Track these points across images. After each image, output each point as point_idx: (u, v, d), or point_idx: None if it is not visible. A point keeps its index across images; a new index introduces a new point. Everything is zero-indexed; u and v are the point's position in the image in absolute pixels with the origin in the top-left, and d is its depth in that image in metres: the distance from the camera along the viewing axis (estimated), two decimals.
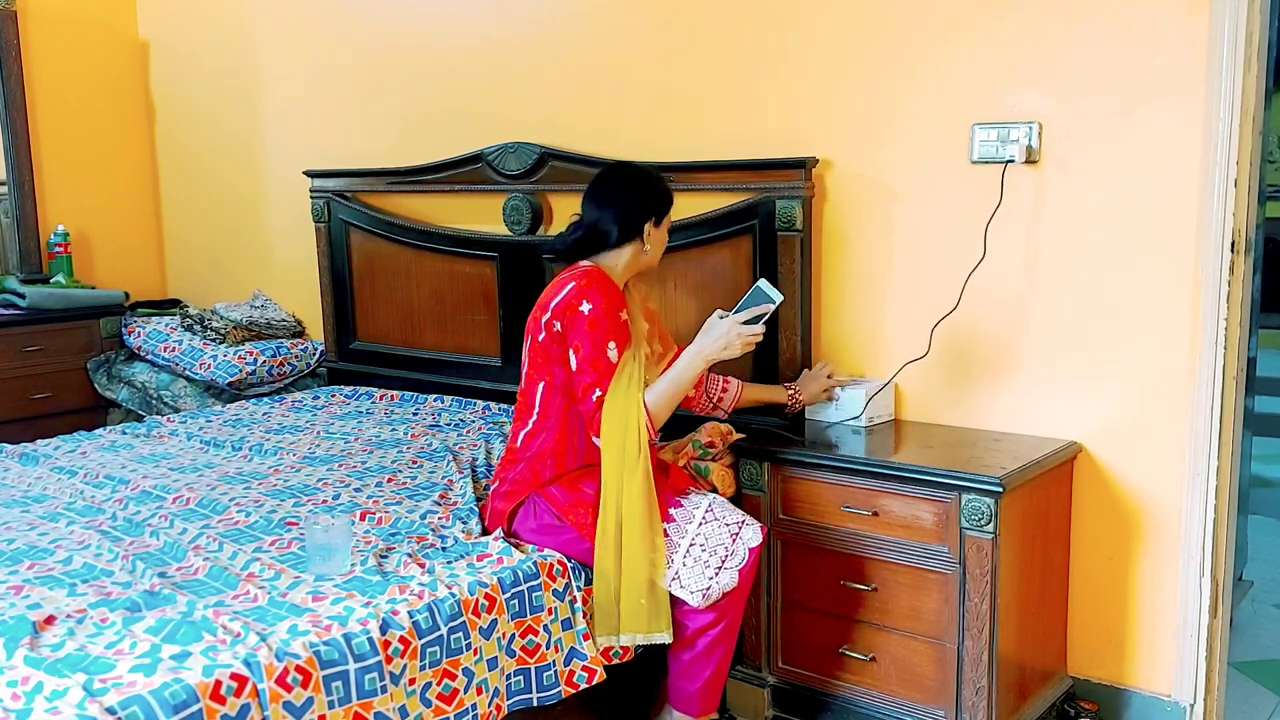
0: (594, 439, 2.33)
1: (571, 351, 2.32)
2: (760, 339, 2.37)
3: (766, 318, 2.37)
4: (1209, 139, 2.36)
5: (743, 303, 2.39)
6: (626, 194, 2.43)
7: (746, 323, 2.34)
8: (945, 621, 2.39)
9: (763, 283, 2.38)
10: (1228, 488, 2.48)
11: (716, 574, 2.28)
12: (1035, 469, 2.43)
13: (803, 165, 2.83)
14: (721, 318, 2.38)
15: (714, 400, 2.71)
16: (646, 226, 2.42)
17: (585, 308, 2.30)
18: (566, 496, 2.36)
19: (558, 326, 2.33)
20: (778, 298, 2.36)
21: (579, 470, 2.38)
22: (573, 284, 2.33)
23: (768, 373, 2.91)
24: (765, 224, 2.88)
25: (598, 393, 2.29)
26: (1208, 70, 2.34)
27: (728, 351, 2.34)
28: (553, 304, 2.34)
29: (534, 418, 2.41)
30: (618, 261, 2.43)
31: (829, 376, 2.78)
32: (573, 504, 2.35)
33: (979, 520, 2.30)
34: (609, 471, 2.28)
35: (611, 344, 2.30)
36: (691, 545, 2.30)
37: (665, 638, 2.30)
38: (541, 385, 2.39)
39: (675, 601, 2.32)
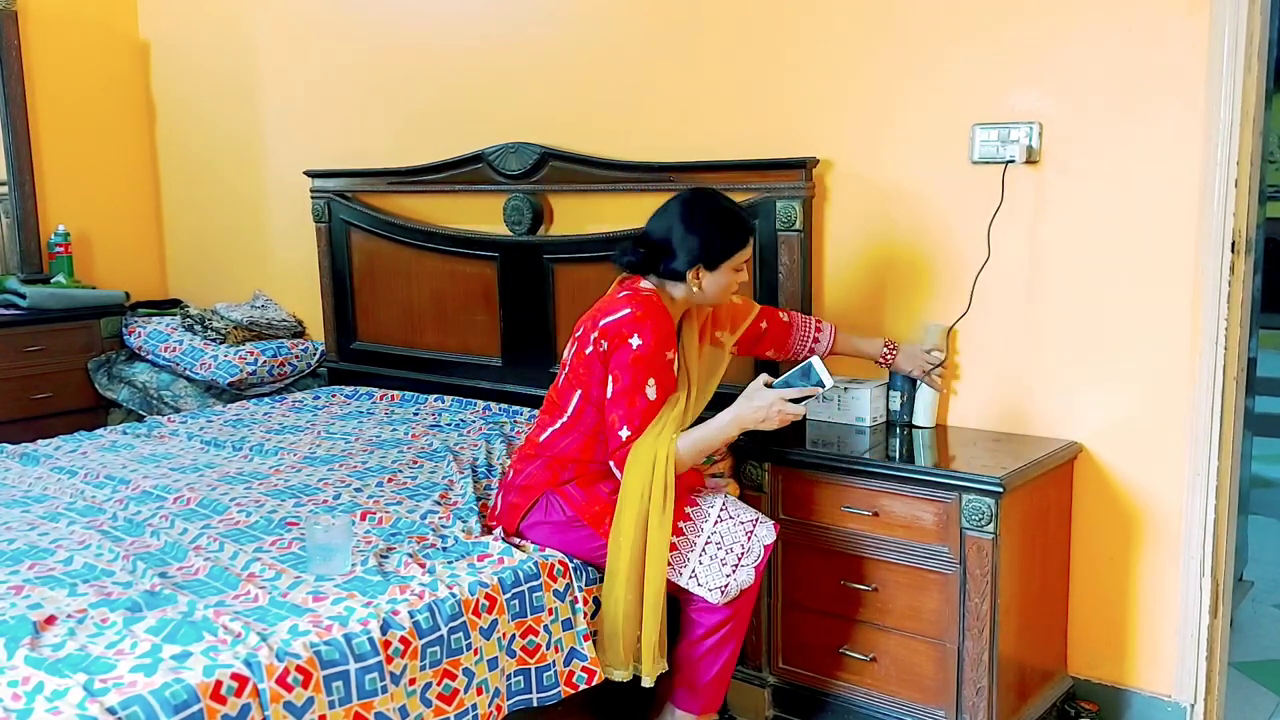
0: (614, 470, 2.31)
1: (611, 379, 2.29)
2: (799, 418, 2.29)
3: (810, 399, 2.28)
4: (1209, 139, 2.36)
5: (790, 375, 2.29)
6: (686, 233, 2.33)
7: (791, 400, 2.26)
8: (945, 621, 2.39)
9: (816, 362, 2.27)
10: (1228, 488, 2.48)
11: (734, 571, 2.29)
12: (1035, 469, 2.43)
13: (803, 165, 2.83)
14: (767, 385, 2.30)
15: (806, 346, 2.69)
16: (692, 273, 2.33)
17: (635, 341, 2.25)
18: (582, 495, 2.35)
19: (604, 346, 2.30)
20: (829, 383, 2.25)
21: (595, 473, 2.38)
22: (628, 310, 2.28)
23: (767, 369, 2.90)
24: (766, 224, 2.88)
25: (626, 431, 2.26)
26: (1208, 70, 2.34)
27: (765, 425, 2.27)
28: (604, 322, 2.30)
29: (564, 419, 2.39)
30: (676, 291, 2.38)
31: (930, 353, 2.67)
32: (589, 502, 2.34)
33: (979, 520, 2.30)
34: (627, 509, 2.25)
35: (651, 382, 2.26)
36: (708, 544, 2.30)
37: (665, 666, 2.33)
38: (578, 394, 2.36)
39: (689, 599, 2.33)
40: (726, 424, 2.30)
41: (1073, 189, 2.55)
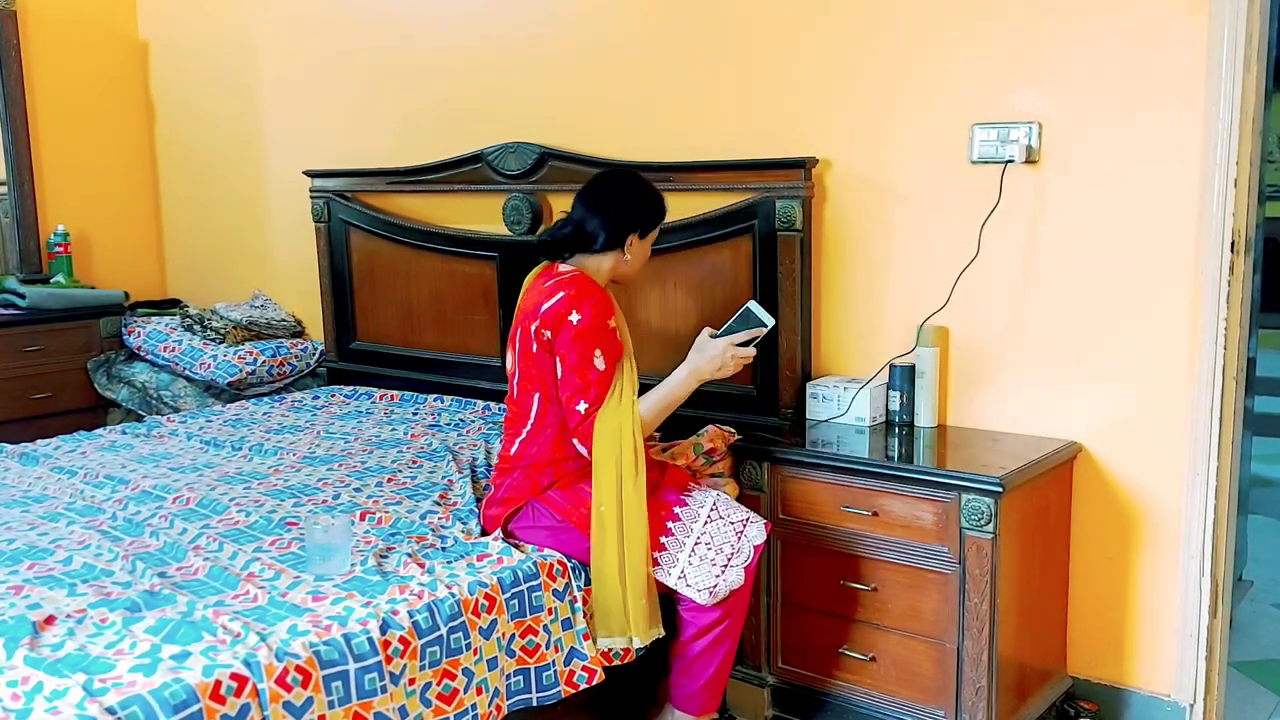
0: (579, 448, 2.32)
1: (558, 360, 2.31)
2: (751, 360, 2.42)
3: (759, 340, 2.40)
4: (1209, 139, 2.36)
5: (731, 323, 2.40)
6: (620, 200, 2.43)
7: (740, 344, 2.37)
8: (945, 621, 2.39)
9: (753, 304, 2.39)
10: (1228, 488, 2.48)
11: (723, 571, 2.28)
12: (1035, 469, 2.43)
13: (803, 165, 2.83)
14: (712, 337, 2.40)
15: None
16: (631, 237, 2.41)
17: (574, 317, 2.28)
18: (566, 499, 2.35)
19: (547, 335, 2.31)
20: (770, 321, 2.38)
21: (575, 472, 2.38)
22: (562, 293, 2.31)
23: (769, 373, 2.91)
24: (765, 224, 2.88)
25: (583, 404, 2.28)
26: (1208, 70, 2.34)
27: (722, 372, 2.38)
28: (541, 310, 2.32)
29: (529, 426, 2.39)
30: (600, 266, 2.42)
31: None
32: (573, 505, 2.34)
33: (979, 520, 2.30)
34: (604, 481, 2.27)
35: (598, 352, 2.29)
36: (697, 544, 2.30)
37: (661, 632, 2.32)
38: (537, 396, 2.37)
39: (680, 600, 2.33)
40: (685, 378, 2.37)
41: (1072, 189, 2.54)
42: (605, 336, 2.30)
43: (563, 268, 2.41)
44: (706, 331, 2.42)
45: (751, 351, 2.39)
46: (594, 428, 2.28)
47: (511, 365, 2.44)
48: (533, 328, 2.33)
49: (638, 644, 2.30)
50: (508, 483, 2.42)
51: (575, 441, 2.32)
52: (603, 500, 2.27)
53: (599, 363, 2.29)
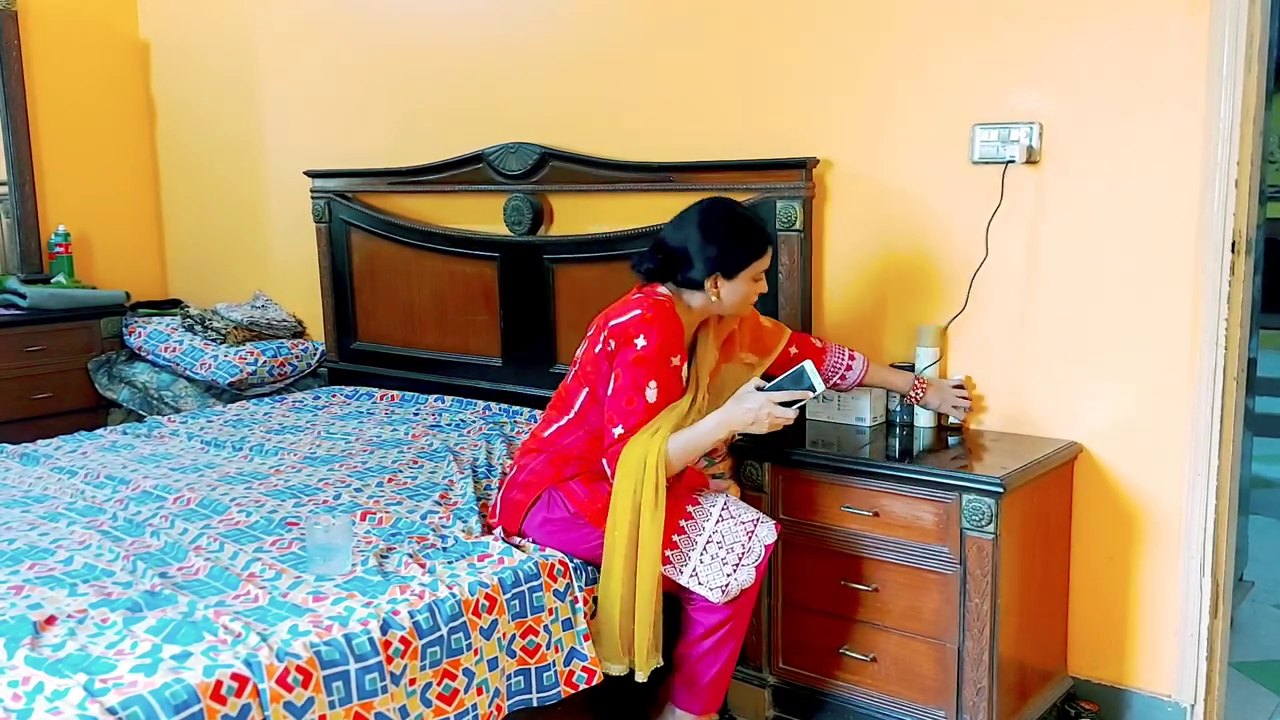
0: (605, 468, 2.31)
1: (613, 377, 2.30)
2: (789, 423, 2.29)
3: (803, 404, 2.29)
4: (1209, 139, 2.36)
5: (782, 379, 2.28)
6: (701, 237, 2.33)
7: (782, 404, 2.26)
8: (946, 622, 2.39)
9: (808, 365, 2.26)
10: (1228, 488, 2.48)
11: (734, 571, 2.29)
12: (1036, 469, 2.43)
13: (803, 165, 2.83)
14: (759, 389, 2.29)
15: (838, 374, 2.67)
16: (714, 277, 2.33)
17: (640, 342, 2.26)
18: (585, 492, 2.35)
19: (611, 346, 2.31)
20: (820, 388, 2.25)
21: (600, 470, 2.37)
22: (638, 311, 2.29)
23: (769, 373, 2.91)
24: (766, 224, 2.87)
25: (620, 429, 2.27)
26: (1208, 71, 2.34)
27: (754, 428, 2.26)
28: (614, 323, 2.31)
29: (570, 416, 2.40)
30: (691, 299, 2.39)
31: (957, 389, 2.66)
32: (591, 499, 2.34)
33: (980, 520, 2.30)
34: (620, 509, 2.25)
35: (653, 384, 2.26)
36: (709, 543, 2.30)
37: (660, 662, 2.32)
38: (585, 391, 2.38)
39: (689, 598, 2.33)
40: (715, 426, 2.30)
41: (1073, 189, 2.55)
42: (666, 372, 2.27)
43: (660, 289, 2.38)
44: (754, 382, 2.31)
45: (792, 414, 2.26)
46: (620, 454, 2.26)
47: (578, 352, 2.44)
48: (603, 334, 2.33)
49: (639, 677, 2.30)
50: (532, 465, 2.41)
51: (604, 462, 2.31)
52: (617, 525, 2.26)
53: (650, 394, 2.26)
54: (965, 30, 2.63)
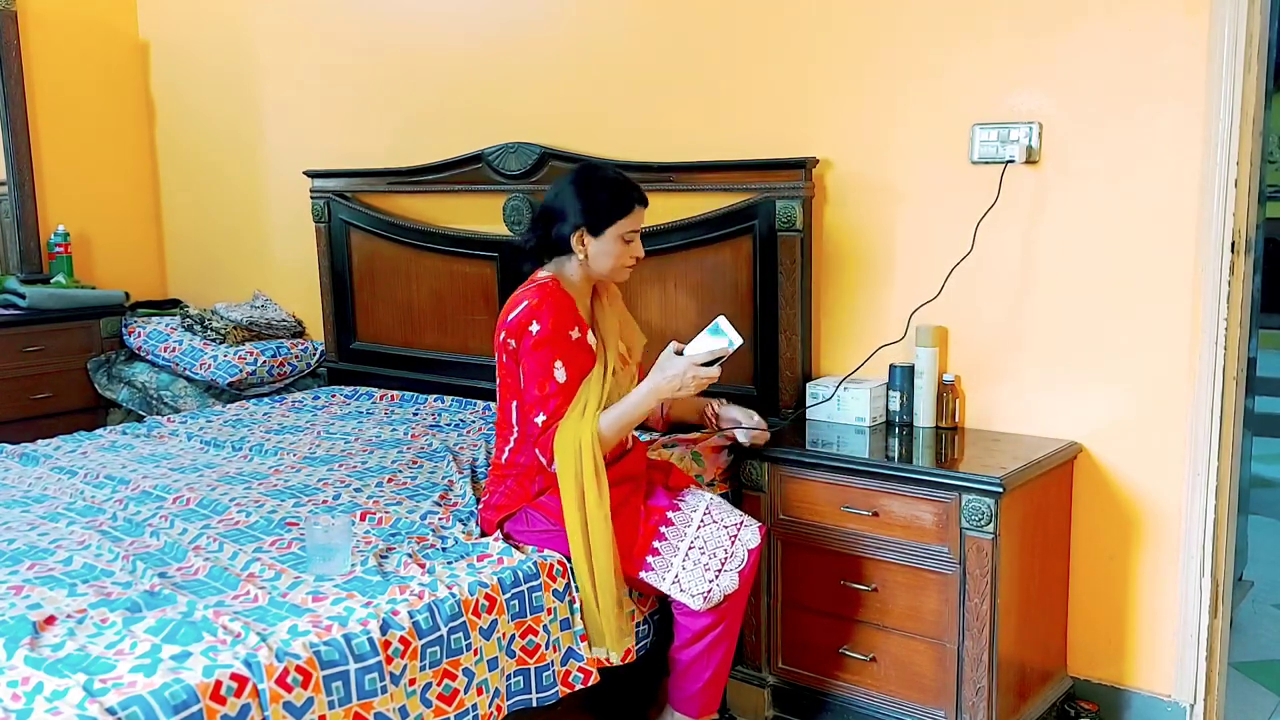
0: (541, 459, 2.29)
1: (521, 371, 2.30)
2: (715, 380, 2.29)
3: (724, 360, 2.28)
4: (1209, 139, 2.36)
5: (698, 339, 2.29)
6: (559, 200, 2.35)
7: (703, 364, 2.26)
8: (945, 621, 2.39)
9: (722, 321, 2.28)
10: (1228, 488, 2.48)
11: (716, 576, 2.28)
12: (1035, 469, 2.43)
13: (803, 165, 2.83)
14: (678, 353, 2.30)
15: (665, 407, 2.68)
16: (579, 234, 2.33)
17: (534, 328, 2.25)
18: (557, 503, 2.32)
19: (512, 344, 2.30)
20: (736, 341, 2.26)
21: None
22: (526, 303, 2.29)
23: (769, 373, 2.92)
24: (765, 224, 2.88)
25: (541, 416, 2.26)
26: (1208, 71, 2.34)
27: (682, 391, 2.27)
28: (508, 320, 2.31)
29: (514, 435, 2.39)
30: (565, 269, 2.39)
31: (745, 413, 2.65)
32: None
33: (979, 520, 2.30)
34: (567, 495, 2.24)
35: (559, 363, 2.26)
36: (690, 548, 2.29)
37: (631, 643, 2.33)
38: (515, 404, 2.37)
39: (675, 605, 2.32)
40: (644, 396, 2.29)
41: (1073, 189, 2.55)
42: (566, 347, 2.26)
43: (540, 273, 2.39)
44: (672, 347, 2.31)
45: (714, 372, 2.26)
46: (554, 440, 2.25)
47: (496, 376, 2.43)
48: (500, 339, 2.32)
49: (613, 658, 2.29)
50: (502, 489, 2.41)
51: (537, 452, 2.29)
52: (567, 512, 2.25)
53: (559, 374, 2.25)
54: (965, 30, 2.63)
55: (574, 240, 2.33)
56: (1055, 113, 2.54)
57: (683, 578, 2.28)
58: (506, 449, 2.41)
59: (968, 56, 2.64)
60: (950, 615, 2.38)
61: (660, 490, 2.40)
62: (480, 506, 2.49)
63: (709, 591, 2.27)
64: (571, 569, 2.30)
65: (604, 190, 2.35)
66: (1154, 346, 2.48)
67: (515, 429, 2.38)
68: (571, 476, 2.23)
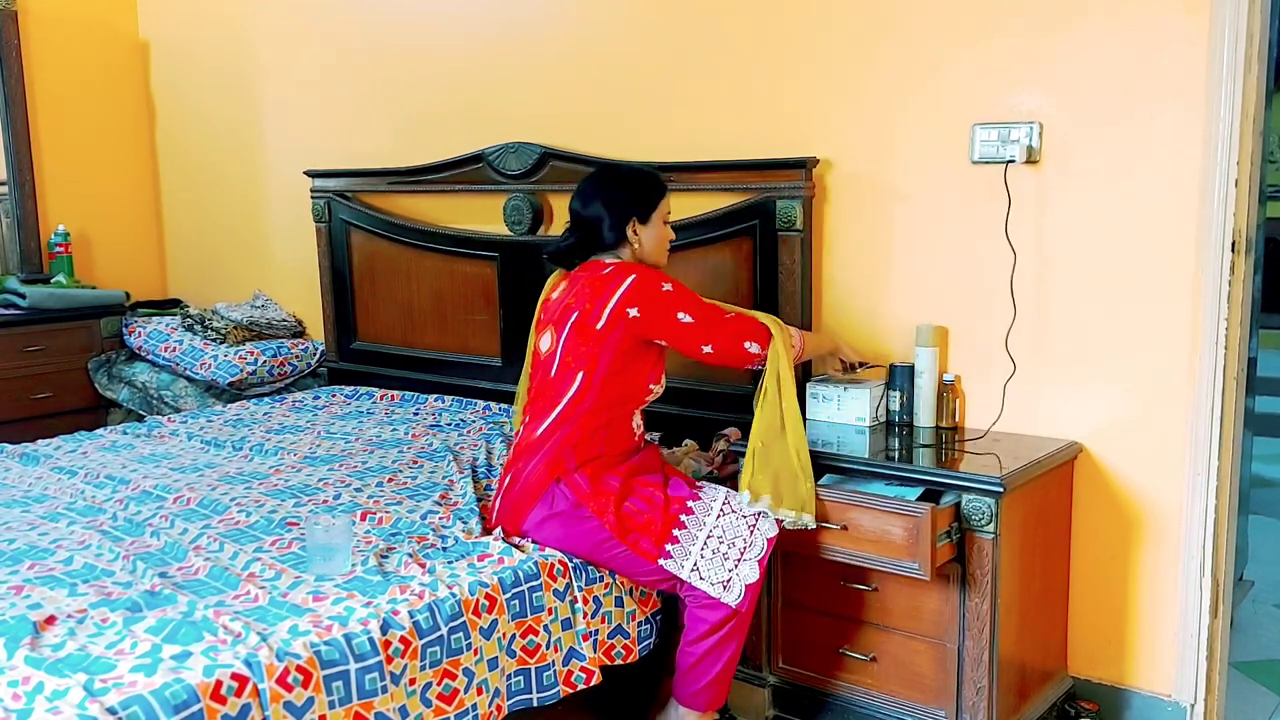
0: (750, 347, 2.41)
1: (683, 330, 2.37)
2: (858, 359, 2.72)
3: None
4: (1209, 139, 2.36)
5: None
6: (607, 193, 2.45)
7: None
8: (945, 621, 2.39)
9: None
10: (1228, 488, 2.48)
11: (736, 565, 2.29)
12: (1036, 469, 2.43)
13: (803, 165, 2.83)
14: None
15: None
16: (631, 224, 2.43)
17: (667, 286, 2.37)
18: (588, 484, 2.34)
19: (633, 313, 2.33)
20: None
21: (600, 460, 2.37)
22: (635, 275, 2.37)
23: None
24: (766, 224, 2.88)
25: (754, 347, 2.40)
26: (1208, 70, 2.34)
27: (834, 353, 2.72)
28: (621, 290, 2.34)
29: (563, 403, 2.38)
30: (625, 256, 2.45)
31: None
32: (595, 493, 2.33)
33: (980, 520, 2.30)
34: (772, 365, 2.40)
35: (701, 302, 2.41)
36: (709, 537, 2.30)
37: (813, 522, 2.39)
38: (580, 375, 2.37)
39: (689, 597, 2.33)
40: (819, 336, 2.76)
41: (1073, 189, 2.54)
42: (689, 295, 2.41)
43: (607, 260, 2.44)
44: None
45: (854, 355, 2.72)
46: (757, 318, 2.43)
47: (550, 346, 2.43)
48: (608, 308, 2.35)
49: (808, 521, 2.35)
50: (529, 468, 2.39)
51: (746, 345, 2.40)
52: (769, 381, 2.39)
53: (723, 308, 2.43)
54: (965, 30, 2.63)
55: (629, 231, 2.43)
56: (1055, 113, 2.54)
57: (702, 566, 2.29)
58: (547, 421, 2.41)
59: (968, 56, 2.64)
60: (950, 615, 2.38)
61: (679, 480, 2.40)
62: (495, 498, 2.49)
63: (729, 580, 2.28)
64: (575, 567, 2.30)
65: (636, 179, 2.50)
66: (1154, 346, 2.48)
67: (567, 398, 2.39)
68: (781, 343, 2.39)
